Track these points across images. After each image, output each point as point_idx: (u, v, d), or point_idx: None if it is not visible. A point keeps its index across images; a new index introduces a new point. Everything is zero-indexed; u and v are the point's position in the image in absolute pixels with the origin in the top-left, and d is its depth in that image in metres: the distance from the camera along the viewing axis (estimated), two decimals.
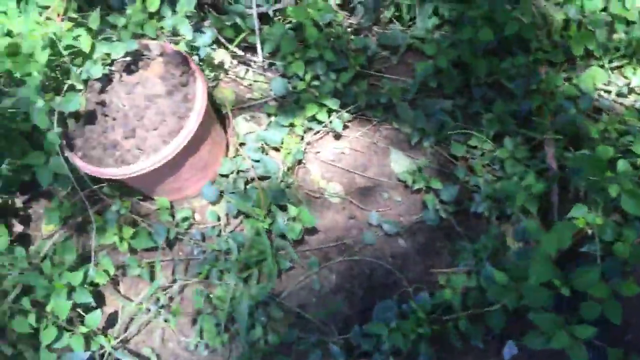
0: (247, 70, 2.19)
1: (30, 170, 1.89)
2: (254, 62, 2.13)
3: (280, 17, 2.13)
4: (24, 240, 2.00)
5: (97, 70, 1.67)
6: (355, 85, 2.04)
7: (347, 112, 2.01)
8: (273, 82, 2.05)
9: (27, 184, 2.01)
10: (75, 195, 1.87)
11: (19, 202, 2.06)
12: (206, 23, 2.08)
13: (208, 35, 2.00)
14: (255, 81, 2.16)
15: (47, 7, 1.75)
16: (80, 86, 1.62)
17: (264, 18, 2.11)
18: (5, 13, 1.79)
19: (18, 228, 2.01)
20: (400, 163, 2.04)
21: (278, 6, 2.06)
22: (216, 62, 2.12)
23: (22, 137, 1.79)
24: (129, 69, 1.78)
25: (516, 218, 1.88)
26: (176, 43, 1.91)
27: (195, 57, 2.05)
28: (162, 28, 1.84)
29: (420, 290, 1.85)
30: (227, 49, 2.12)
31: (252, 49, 2.16)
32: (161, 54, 1.79)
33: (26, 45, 1.63)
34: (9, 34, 1.73)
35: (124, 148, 1.68)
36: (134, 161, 1.66)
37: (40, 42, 1.57)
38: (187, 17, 1.88)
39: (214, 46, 2.08)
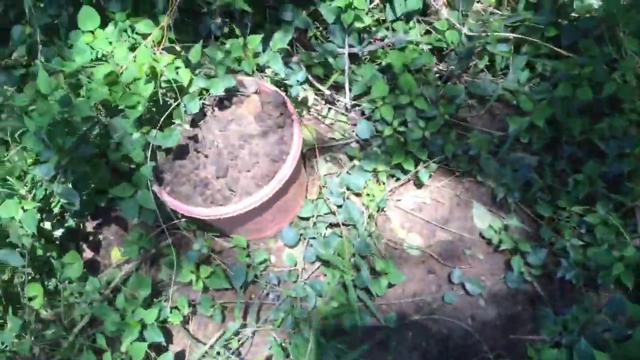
0: (330, 109, 2.13)
1: (106, 196, 1.84)
2: (339, 101, 2.07)
3: (367, 57, 2.07)
4: (92, 267, 1.95)
5: (195, 106, 1.62)
6: (442, 135, 1.97)
7: (433, 162, 1.94)
8: (359, 125, 2.00)
9: (99, 208, 1.97)
10: (154, 227, 1.81)
11: (89, 226, 2.00)
12: (294, 59, 2.03)
13: (301, 74, 1.94)
14: (337, 121, 2.10)
15: (146, 35, 1.71)
16: (180, 121, 1.57)
17: (352, 58, 2.05)
18: (92, 32, 1.75)
19: (88, 254, 1.96)
20: (483, 218, 1.97)
21: (370, 48, 2.00)
22: (300, 98, 2.07)
23: (106, 165, 1.74)
24: (222, 104, 1.73)
25: (607, 289, 1.80)
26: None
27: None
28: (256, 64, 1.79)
29: (501, 357, 1.77)
30: (313, 86, 2.06)
31: (337, 87, 2.10)
32: (257, 92, 1.73)
33: (127, 75, 1.58)
34: (101, 57, 1.69)
35: (215, 187, 1.63)
36: (224, 202, 1.61)
37: (145, 74, 1.52)
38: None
39: (305, 85, 2.03)
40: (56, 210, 1.83)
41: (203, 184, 1.63)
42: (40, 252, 1.75)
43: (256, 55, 1.81)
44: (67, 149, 1.49)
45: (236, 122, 1.69)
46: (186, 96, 1.62)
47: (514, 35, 1.94)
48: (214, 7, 1.82)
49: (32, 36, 1.98)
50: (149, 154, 1.58)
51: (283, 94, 1.72)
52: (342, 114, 2.12)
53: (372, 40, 1.98)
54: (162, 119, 1.60)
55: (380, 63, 2.06)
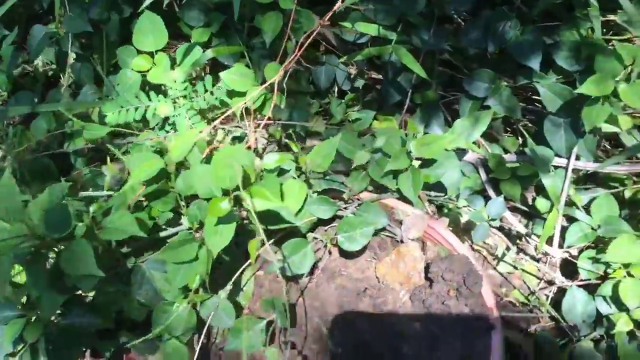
0: (522, 258, 1.26)
1: None
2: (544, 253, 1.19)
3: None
4: None
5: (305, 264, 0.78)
6: None
7: None
8: (567, 296, 1.11)
9: None
10: None
11: None
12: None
13: (498, 202, 1.07)
14: (522, 270, 1.23)
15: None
16: None
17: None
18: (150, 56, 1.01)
19: None
20: None
21: (617, 168, 1.11)
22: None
23: None
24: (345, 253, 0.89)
25: None
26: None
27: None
28: None
29: None
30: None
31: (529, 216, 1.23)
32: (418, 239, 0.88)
33: (183, 184, 0.77)
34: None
35: None
36: None
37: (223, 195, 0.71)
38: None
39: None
40: None
41: None
42: None
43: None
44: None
45: (375, 296, 0.84)
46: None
47: None
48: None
49: (62, 44, 1.24)
50: None
51: (471, 256, 0.85)
52: (533, 259, 1.24)
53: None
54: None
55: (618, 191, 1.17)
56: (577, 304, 1.12)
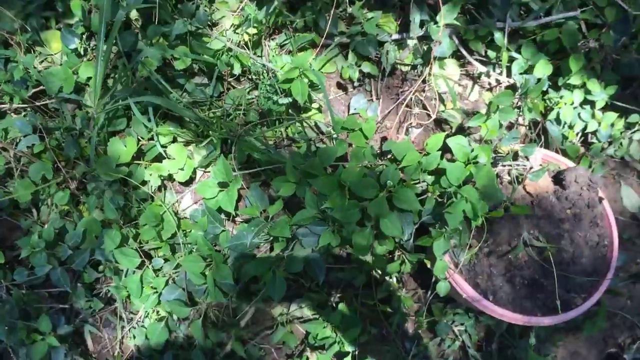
0: (474, 86, 2.04)
1: None
2: (490, 78, 1.98)
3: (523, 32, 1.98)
4: None
5: None
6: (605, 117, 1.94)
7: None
8: None
9: None
10: None
11: None
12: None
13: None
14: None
15: None
16: None
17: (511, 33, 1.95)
18: None
19: None
20: (632, 199, 2.00)
21: (532, 23, 1.91)
22: (446, 73, 1.96)
23: None
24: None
25: None
26: None
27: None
28: None
29: None
30: (460, 60, 1.96)
31: (484, 63, 2.00)
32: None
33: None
34: None
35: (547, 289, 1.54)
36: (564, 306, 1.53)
37: None
38: None
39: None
40: None
41: (533, 286, 1.52)
42: None
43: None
44: None
45: (539, 206, 1.56)
46: None
47: None
48: None
49: None
50: None
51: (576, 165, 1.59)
52: (489, 90, 2.03)
53: (541, 15, 1.88)
54: None
55: (535, 39, 1.97)
56: None
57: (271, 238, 1.52)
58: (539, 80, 1.80)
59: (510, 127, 1.96)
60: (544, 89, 1.82)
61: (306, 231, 1.45)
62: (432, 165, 1.48)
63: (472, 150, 1.49)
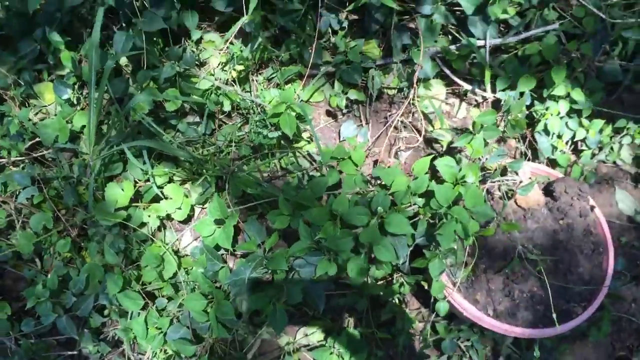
0: (461, 104, 2.07)
1: None
2: (476, 95, 2.01)
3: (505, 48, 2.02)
4: None
5: None
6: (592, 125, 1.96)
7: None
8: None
9: None
10: None
11: None
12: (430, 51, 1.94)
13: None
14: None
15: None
16: None
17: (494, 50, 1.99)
18: None
19: None
20: (627, 203, 2.01)
21: (512, 39, 1.95)
22: (431, 93, 2.00)
23: None
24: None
25: None
26: None
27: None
28: None
29: None
30: (445, 80, 1.99)
31: (469, 81, 2.04)
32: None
33: None
34: None
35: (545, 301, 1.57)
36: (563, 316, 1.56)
37: None
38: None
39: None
40: None
41: (533, 299, 1.55)
42: None
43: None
44: None
45: (531, 219, 1.59)
46: None
47: None
48: None
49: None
50: None
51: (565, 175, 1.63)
52: (477, 106, 2.06)
53: (520, 30, 1.92)
54: None
55: (517, 54, 2.01)
56: None
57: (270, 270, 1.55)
58: (522, 94, 1.83)
59: (499, 141, 1.99)
60: (528, 102, 1.85)
61: (303, 262, 1.47)
62: (421, 188, 1.50)
63: (460, 170, 1.52)
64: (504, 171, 1.62)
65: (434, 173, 1.64)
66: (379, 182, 1.72)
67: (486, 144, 1.61)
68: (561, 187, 1.58)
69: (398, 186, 1.50)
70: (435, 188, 1.47)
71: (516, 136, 1.96)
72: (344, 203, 1.45)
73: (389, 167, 1.64)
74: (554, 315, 1.45)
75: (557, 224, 1.58)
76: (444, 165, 1.54)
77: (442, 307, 1.54)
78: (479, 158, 1.61)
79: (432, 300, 1.59)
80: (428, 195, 1.51)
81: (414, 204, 1.52)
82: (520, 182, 1.61)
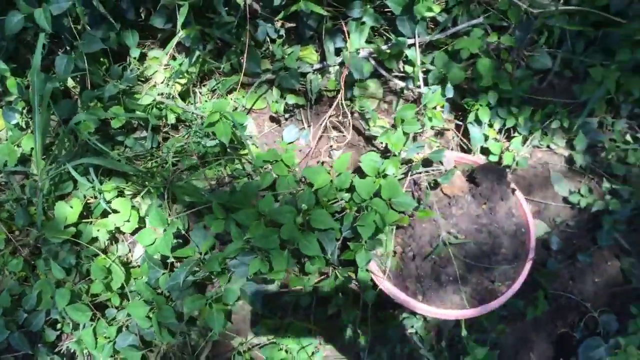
0: (399, 100, 2.15)
1: None
2: (410, 91, 2.09)
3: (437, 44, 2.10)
4: None
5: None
6: (522, 112, 2.04)
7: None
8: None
9: None
10: None
11: None
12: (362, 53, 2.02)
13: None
14: None
15: None
16: None
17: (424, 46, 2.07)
18: None
19: None
20: (562, 185, 2.08)
21: (439, 35, 2.03)
22: (369, 92, 2.07)
23: None
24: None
25: None
26: None
27: None
28: None
29: (605, 313, 1.92)
30: (381, 79, 2.07)
31: (403, 78, 2.11)
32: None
33: None
34: None
35: (473, 282, 1.64)
36: (488, 295, 1.62)
37: None
38: None
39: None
40: None
41: (459, 282, 1.62)
42: None
43: None
44: None
45: (456, 206, 1.67)
46: None
47: (573, 7, 2.01)
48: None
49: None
50: None
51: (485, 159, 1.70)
52: (412, 102, 2.14)
53: (448, 26, 2.00)
54: None
55: (447, 50, 2.09)
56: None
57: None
58: (443, 87, 1.92)
59: (436, 134, 2.07)
60: (450, 95, 1.93)
61: (237, 262, 1.54)
62: (345, 184, 1.58)
63: (382, 164, 1.60)
64: (428, 162, 1.69)
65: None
66: (308, 181, 1.79)
67: (408, 137, 1.69)
68: (482, 173, 1.66)
69: (321, 183, 1.58)
70: (357, 182, 1.54)
71: (450, 127, 2.04)
72: (269, 203, 1.52)
73: (322, 165, 1.71)
74: (463, 296, 1.52)
75: (480, 208, 1.66)
76: (369, 160, 1.62)
77: (370, 295, 1.61)
78: (400, 152, 1.68)
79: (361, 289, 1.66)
80: (353, 190, 1.58)
81: (341, 199, 1.60)
82: (446, 171, 1.69)
